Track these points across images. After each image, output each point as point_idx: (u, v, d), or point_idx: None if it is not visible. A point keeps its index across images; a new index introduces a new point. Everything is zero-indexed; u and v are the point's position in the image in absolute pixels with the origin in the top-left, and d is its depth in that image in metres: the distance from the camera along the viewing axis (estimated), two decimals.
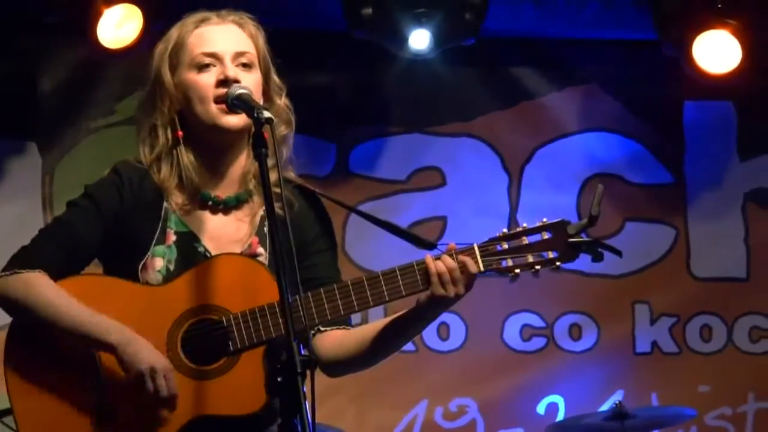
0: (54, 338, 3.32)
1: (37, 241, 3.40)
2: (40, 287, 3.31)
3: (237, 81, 3.34)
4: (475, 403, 6.61)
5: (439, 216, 6.70)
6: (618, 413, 5.79)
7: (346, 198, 3.65)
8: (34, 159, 6.40)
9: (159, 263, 3.35)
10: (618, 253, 3.30)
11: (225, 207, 3.42)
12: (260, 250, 3.40)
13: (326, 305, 3.28)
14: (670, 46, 6.22)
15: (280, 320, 3.22)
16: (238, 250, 3.38)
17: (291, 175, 3.47)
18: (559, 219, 3.31)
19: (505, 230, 3.32)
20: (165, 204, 3.40)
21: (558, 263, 3.29)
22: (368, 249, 6.38)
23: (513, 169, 6.79)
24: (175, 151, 3.41)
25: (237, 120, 3.33)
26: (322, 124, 6.47)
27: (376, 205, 6.51)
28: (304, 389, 2.93)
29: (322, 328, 3.42)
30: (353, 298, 3.28)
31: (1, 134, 6.36)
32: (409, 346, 6.34)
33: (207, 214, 3.42)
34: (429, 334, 6.59)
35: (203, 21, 3.45)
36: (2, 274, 3.35)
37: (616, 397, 6.46)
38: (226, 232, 3.41)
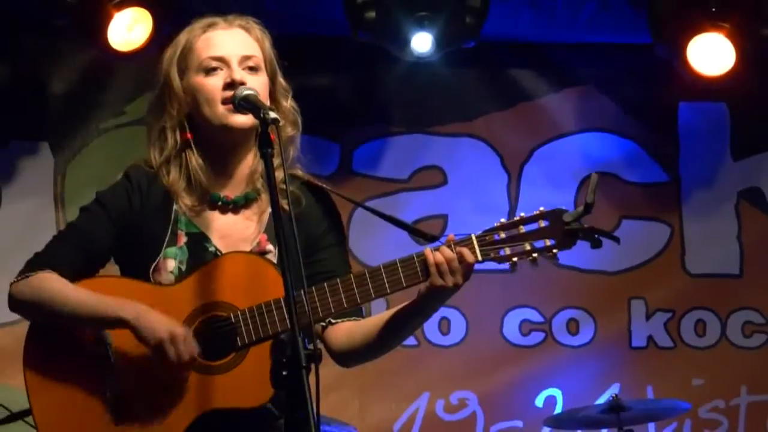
0: (70, 337, 3.35)
1: (51, 245, 3.45)
2: (51, 281, 3.35)
3: (243, 83, 3.35)
4: (475, 396, 6.62)
5: (441, 214, 6.72)
6: (614, 406, 5.82)
7: (349, 196, 3.64)
8: (47, 159, 6.41)
9: (171, 264, 3.38)
10: (616, 239, 3.28)
11: (234, 206, 3.45)
12: (269, 247, 3.41)
13: (330, 299, 3.29)
14: (665, 49, 6.22)
15: (286, 315, 3.21)
16: (247, 248, 3.40)
17: (299, 172, 3.48)
18: (555, 207, 3.30)
19: (503, 220, 3.33)
20: (174, 206, 3.43)
21: (555, 251, 3.27)
22: (371, 245, 6.37)
23: (512, 168, 6.81)
24: (183, 154, 3.43)
25: (245, 119, 3.34)
26: (326, 125, 6.47)
27: (378, 204, 6.48)
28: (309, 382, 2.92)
29: (333, 321, 3.43)
30: (356, 290, 3.28)
31: (15, 135, 6.38)
32: (410, 341, 6.49)
33: (216, 214, 3.44)
34: (430, 328, 6.63)
35: (211, 26, 3.48)
36: (16, 279, 3.39)
37: (613, 390, 6.52)
38: (236, 231, 3.43)
